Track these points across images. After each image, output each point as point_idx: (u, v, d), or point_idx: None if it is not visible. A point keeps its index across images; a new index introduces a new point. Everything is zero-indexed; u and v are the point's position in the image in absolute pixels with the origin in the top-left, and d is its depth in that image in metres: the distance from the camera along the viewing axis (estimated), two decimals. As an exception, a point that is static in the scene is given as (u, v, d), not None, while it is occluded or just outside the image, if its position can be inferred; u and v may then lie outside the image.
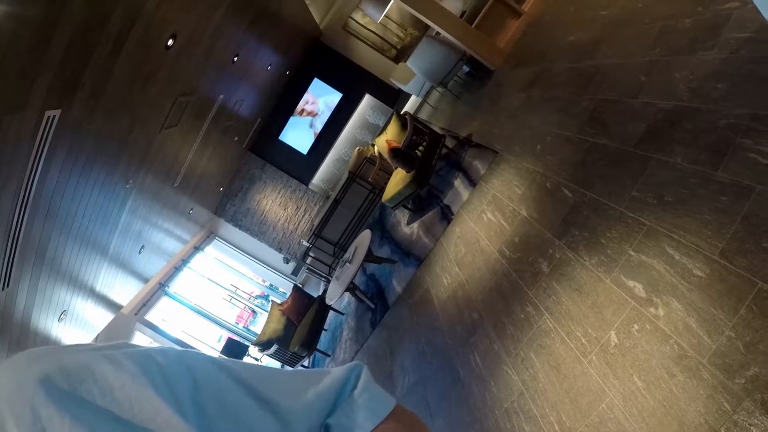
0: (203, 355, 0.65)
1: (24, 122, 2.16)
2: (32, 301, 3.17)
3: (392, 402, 0.70)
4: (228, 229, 8.47)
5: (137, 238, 4.95)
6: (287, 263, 8.59)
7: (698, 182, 1.93)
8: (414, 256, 4.62)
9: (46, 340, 3.67)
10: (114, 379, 0.53)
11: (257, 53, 5.65)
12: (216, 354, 7.78)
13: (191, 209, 6.61)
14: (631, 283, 1.98)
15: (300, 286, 6.32)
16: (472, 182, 4.23)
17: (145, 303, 6.61)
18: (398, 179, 5.02)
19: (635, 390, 1.71)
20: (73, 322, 4.14)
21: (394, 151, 4.71)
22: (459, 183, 4.53)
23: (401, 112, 5.12)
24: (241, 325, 9.40)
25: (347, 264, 5.03)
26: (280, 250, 8.53)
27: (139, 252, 5.12)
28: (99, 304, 4.75)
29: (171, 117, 3.77)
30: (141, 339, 6.85)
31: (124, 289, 5.38)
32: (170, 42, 3.03)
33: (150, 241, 5.51)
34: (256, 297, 10.18)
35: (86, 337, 4.84)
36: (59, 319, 3.76)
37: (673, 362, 1.64)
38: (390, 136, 5.03)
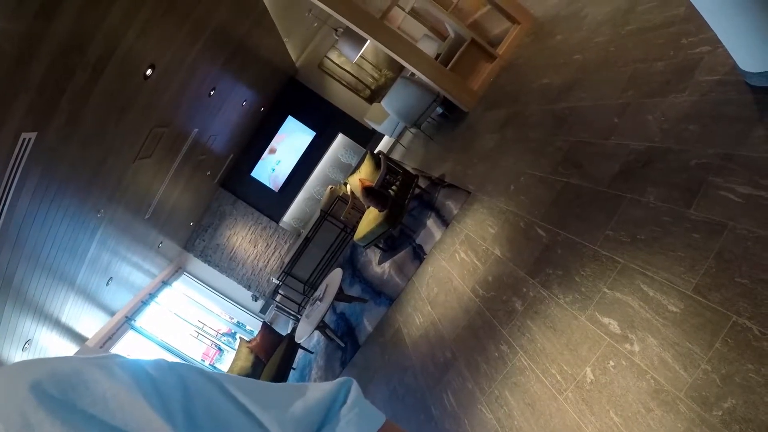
0: (194, 366, 0.65)
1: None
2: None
3: (382, 418, 0.70)
4: (197, 265, 8.25)
5: (105, 270, 4.77)
6: (255, 301, 8.38)
7: (671, 220, 1.99)
8: (385, 296, 4.58)
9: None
10: (106, 387, 0.54)
11: (233, 88, 5.68)
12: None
13: (161, 243, 6.44)
14: (606, 320, 1.99)
15: (269, 323, 6.15)
16: (445, 222, 4.27)
17: (111, 336, 6.30)
18: (371, 218, 5.02)
19: (612, 426, 1.69)
20: (37, 353, 3.92)
21: (367, 190, 4.73)
22: (432, 223, 4.56)
23: (375, 152, 5.18)
24: (207, 362, 9.04)
25: (317, 302, 4.94)
26: (248, 288, 8.33)
27: (107, 284, 4.92)
28: (64, 336, 4.51)
29: (145, 148, 3.71)
30: None
31: (89, 322, 5.13)
32: (149, 72, 3.02)
33: (118, 274, 5.31)
34: (223, 335, 9.86)
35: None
36: (23, 349, 3.55)
37: (650, 397, 1.64)
38: (363, 174, 5.07)
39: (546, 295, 2.45)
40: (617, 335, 1.90)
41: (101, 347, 6.13)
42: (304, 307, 6.55)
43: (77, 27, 2.17)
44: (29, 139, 2.26)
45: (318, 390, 0.71)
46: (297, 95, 7.82)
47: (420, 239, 4.59)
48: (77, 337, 4.95)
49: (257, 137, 8.09)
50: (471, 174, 4.47)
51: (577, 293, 2.24)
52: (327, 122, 7.94)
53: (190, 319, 8.91)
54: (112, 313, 5.84)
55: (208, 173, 6.99)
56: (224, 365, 8.93)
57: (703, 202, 1.90)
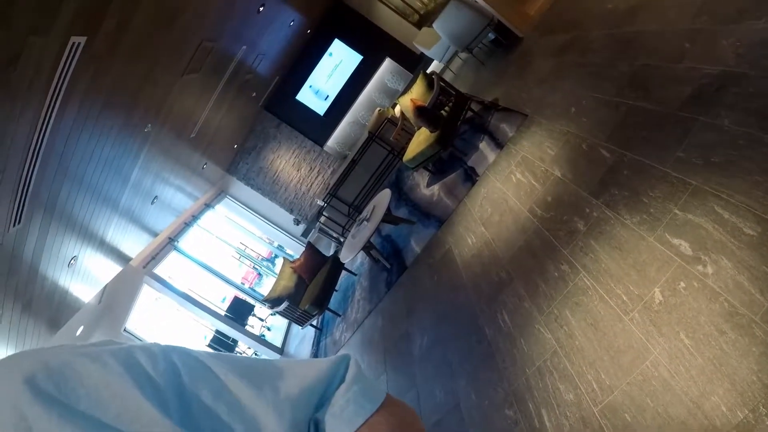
0: (187, 350, 0.64)
1: (48, 45, 2.08)
2: (42, 244, 3.15)
3: (382, 394, 0.68)
4: (239, 188, 8.42)
5: (149, 190, 4.90)
6: (297, 225, 8.57)
7: (747, 144, 1.90)
8: (434, 217, 4.58)
9: (54, 287, 3.66)
10: (98, 378, 0.54)
11: (281, 7, 5.49)
12: (221, 312, 7.87)
13: (204, 164, 6.55)
14: (676, 241, 1.94)
15: (312, 243, 6.30)
16: (499, 144, 4.16)
17: (154, 257, 6.61)
18: (421, 139, 4.94)
19: (682, 348, 1.68)
20: (82, 271, 4.14)
21: (419, 110, 4.62)
22: (485, 146, 4.45)
23: (428, 71, 5.00)
24: (246, 286, 9.44)
25: (364, 222, 4.99)
26: (291, 211, 8.49)
27: (152, 203, 5.08)
28: (108, 255, 4.74)
29: (193, 62, 3.68)
30: (148, 292, 6.88)
31: (133, 242, 5.36)
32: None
33: (162, 195, 5.47)
34: (264, 259, 10.19)
35: (94, 288, 4.84)
36: (68, 265, 3.75)
37: (723, 320, 1.61)
38: (415, 95, 4.93)
39: (611, 215, 2.39)
40: (689, 257, 1.85)
41: (144, 267, 6.44)
42: (348, 230, 6.66)
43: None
44: (79, 43, 2.24)
45: (315, 368, 0.69)
46: (344, 18, 7.52)
47: (472, 161, 4.51)
48: (121, 257, 5.19)
49: (303, 59, 7.92)
50: (527, 98, 4.29)
51: (645, 214, 2.18)
52: (374, 46, 7.67)
53: (232, 241, 9.22)
54: (155, 234, 6.07)
55: (254, 94, 6.94)
56: (263, 289, 9.32)
57: None
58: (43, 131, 2.41)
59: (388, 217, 4.99)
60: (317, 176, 8.54)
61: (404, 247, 4.89)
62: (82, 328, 5.34)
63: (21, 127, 2.27)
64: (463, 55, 6.17)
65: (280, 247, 9.79)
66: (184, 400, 0.59)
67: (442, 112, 4.72)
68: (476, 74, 6.31)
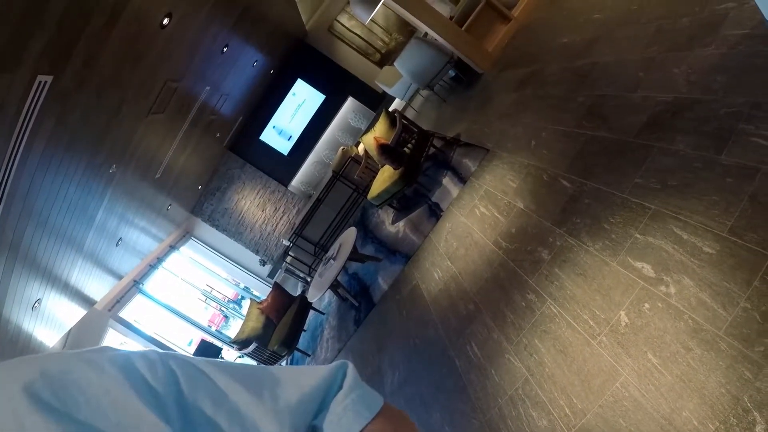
0: (185, 357, 0.64)
1: (14, 83, 2.04)
2: (6, 287, 2.99)
3: (380, 401, 0.69)
4: (204, 229, 8.26)
5: (114, 232, 4.76)
6: (263, 265, 8.42)
7: (702, 166, 1.98)
8: (401, 254, 4.58)
9: (18, 331, 3.46)
10: (98, 385, 0.53)
11: (244, 48, 5.56)
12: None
13: (169, 205, 6.42)
14: (639, 264, 1.99)
15: (279, 284, 6.18)
16: (462, 179, 4.24)
17: (119, 300, 6.34)
18: (385, 176, 4.99)
19: (650, 367, 1.70)
20: (46, 314, 3.93)
21: (382, 148, 4.68)
22: (448, 181, 4.53)
23: (390, 110, 5.11)
24: (213, 328, 9.14)
25: (331, 261, 4.95)
26: (256, 252, 8.35)
27: (117, 244, 4.92)
28: (73, 298, 4.53)
29: (159, 102, 3.65)
30: (113, 336, 6.56)
31: (98, 285, 5.15)
32: (166, 20, 2.94)
33: (127, 236, 5.31)
34: (230, 301, 9.93)
35: (59, 332, 4.59)
36: (32, 308, 3.56)
37: (688, 336, 1.64)
38: (378, 133, 5.01)
39: (574, 243, 2.44)
40: (651, 278, 1.90)
41: (109, 311, 6.18)
42: (315, 269, 6.57)
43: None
44: (45, 82, 2.21)
45: (313, 376, 0.69)
46: (307, 58, 7.67)
47: (436, 197, 4.56)
48: (86, 300, 4.97)
49: (266, 99, 7.98)
50: (489, 132, 4.42)
51: (607, 240, 2.23)
52: (336, 85, 7.81)
53: (198, 283, 8.97)
54: (120, 277, 5.85)
55: (218, 135, 6.92)
56: (230, 331, 9.04)
57: (735, 149, 1.89)
58: (8, 171, 2.32)
59: (355, 255, 4.97)
60: (282, 216, 8.47)
61: (371, 284, 4.85)
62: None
63: None
64: (424, 92, 6.36)
65: (246, 289, 9.57)
66: (183, 408, 0.58)
67: (406, 149, 4.81)
68: (438, 111, 6.49)
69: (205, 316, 9.27)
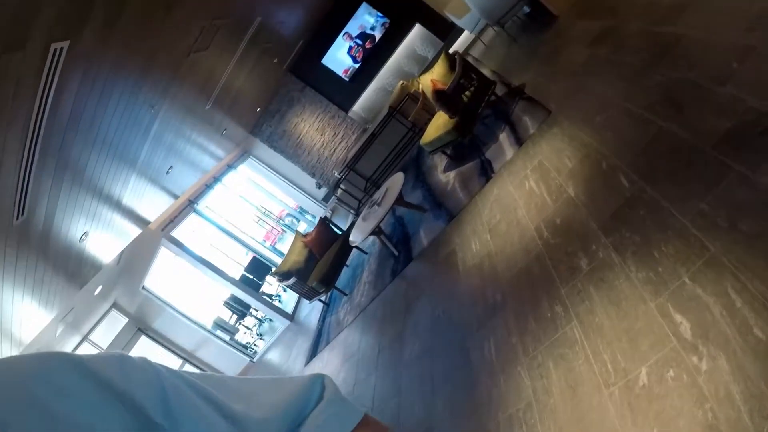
0: (172, 371, 0.65)
1: (26, 59, 1.95)
2: (64, 207, 3.11)
3: (359, 415, 0.71)
4: (263, 150, 8.32)
5: (167, 153, 4.82)
6: (320, 188, 8.48)
7: None
8: (446, 209, 4.38)
9: (81, 249, 3.67)
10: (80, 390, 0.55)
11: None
12: (241, 271, 7.98)
13: (225, 129, 6.43)
14: (678, 318, 1.71)
15: (327, 217, 6.22)
16: (519, 140, 3.86)
17: (173, 220, 6.65)
18: (440, 123, 4.66)
19: (652, 449, 1.50)
20: (103, 235, 4.15)
21: (438, 94, 4.32)
22: (504, 138, 4.16)
23: (450, 51, 4.65)
24: (268, 243, 9.52)
25: (376, 206, 4.84)
26: (313, 175, 8.37)
27: (167, 172, 5.03)
28: (128, 219, 4.75)
29: (201, 41, 3.47)
30: (165, 255, 6.99)
31: (153, 205, 5.37)
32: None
33: (182, 157, 5.40)
34: (287, 215, 10.18)
35: (113, 251, 4.90)
36: (81, 240, 3.77)
37: (701, 431, 1.41)
38: (436, 75, 4.61)
39: (617, 261, 2.16)
40: (687, 341, 1.63)
41: (162, 230, 6.48)
42: (364, 204, 6.51)
43: None
44: (61, 48, 2.09)
45: (288, 390, 0.70)
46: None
47: (490, 154, 4.23)
48: (140, 220, 5.20)
49: (329, 23, 7.53)
50: (554, 90, 3.93)
51: (653, 272, 1.94)
52: (404, 10, 7.17)
53: (254, 201, 9.22)
54: (175, 197, 6.06)
55: (275, 61, 6.68)
56: (284, 245, 9.37)
57: None
58: (35, 134, 2.31)
59: (400, 202, 4.82)
60: (341, 141, 8.33)
61: (413, 235, 4.73)
62: (100, 287, 5.49)
63: (10, 144, 2.18)
64: (496, 27, 5.71)
65: (302, 210, 9.77)
66: (169, 417, 0.59)
67: (464, 96, 4.40)
68: (507, 50, 5.85)
69: (261, 232, 9.62)
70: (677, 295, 1.77)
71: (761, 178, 1.73)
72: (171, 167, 4.97)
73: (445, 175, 4.99)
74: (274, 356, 7.13)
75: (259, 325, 8.01)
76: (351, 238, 4.98)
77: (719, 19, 2.62)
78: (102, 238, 4.24)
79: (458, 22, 6.17)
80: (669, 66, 2.72)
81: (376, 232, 4.76)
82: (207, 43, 3.63)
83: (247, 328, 8.00)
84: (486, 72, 5.83)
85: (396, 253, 4.74)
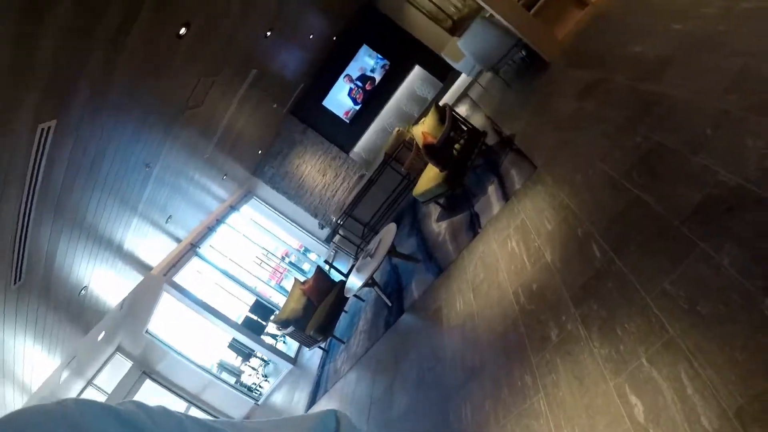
0: (191, 417, 0.65)
1: (15, 141, 2.07)
2: (51, 268, 3.21)
3: None
4: (265, 190, 8.46)
5: (165, 204, 4.95)
6: (322, 229, 8.56)
7: (742, 303, 1.58)
8: (436, 262, 4.42)
9: (68, 302, 3.77)
10: None
11: (297, 23, 5.34)
12: (244, 314, 8.01)
13: (225, 175, 6.58)
14: (633, 399, 1.72)
15: (327, 261, 6.27)
16: (506, 195, 3.91)
17: (175, 264, 6.75)
18: (431, 175, 4.74)
19: None
20: (100, 287, 4.25)
21: (427, 148, 4.41)
22: (493, 191, 4.21)
23: (440, 104, 4.76)
24: (273, 282, 9.58)
25: (368, 258, 4.89)
26: (315, 216, 8.47)
27: (166, 221, 5.16)
28: (128, 265, 4.85)
29: (194, 97, 3.62)
30: (167, 300, 7.08)
31: (153, 251, 5.47)
32: (182, 30, 2.83)
33: (180, 206, 5.53)
34: (291, 253, 10.24)
35: (115, 298, 5.00)
36: (80, 294, 3.86)
37: None
38: (427, 127, 4.70)
39: (583, 335, 2.17)
40: (639, 424, 1.65)
41: (165, 275, 6.58)
42: (362, 249, 6.56)
43: None
44: (48, 127, 2.21)
45: (306, 424, 0.71)
46: (373, 24, 7.23)
47: (479, 207, 4.28)
48: (143, 266, 5.31)
49: (330, 65, 7.76)
50: (541, 144, 4.00)
51: (615, 350, 1.95)
52: (404, 52, 7.36)
53: (258, 242, 9.34)
54: (178, 241, 6.17)
55: (275, 106, 6.88)
56: (290, 283, 9.41)
57: None
58: (29, 205, 2.42)
59: (393, 253, 4.86)
60: (342, 183, 8.46)
61: (406, 286, 4.76)
62: (103, 333, 5.57)
63: (4, 216, 2.29)
64: (490, 73, 5.83)
65: (306, 251, 9.85)
66: None
67: (455, 148, 4.49)
68: (502, 95, 5.96)
69: (265, 272, 9.69)
70: (635, 375, 1.78)
71: (723, 259, 1.73)
72: (170, 216, 5.10)
73: (437, 225, 5.04)
74: (278, 399, 7.11)
75: (265, 366, 8.01)
76: (345, 290, 5.02)
77: (699, 78, 2.65)
78: (103, 287, 4.33)
79: (456, 66, 6.30)
80: (649, 128, 2.73)
81: (370, 283, 4.80)
82: (201, 99, 3.78)
83: (253, 368, 7.99)
84: (480, 118, 5.94)
85: (389, 304, 4.76)
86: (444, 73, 7.38)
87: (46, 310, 3.50)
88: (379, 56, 7.92)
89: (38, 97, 2.08)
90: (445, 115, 4.55)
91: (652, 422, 1.60)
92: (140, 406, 0.59)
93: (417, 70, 7.64)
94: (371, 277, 4.64)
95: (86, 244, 3.51)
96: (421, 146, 4.56)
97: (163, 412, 0.63)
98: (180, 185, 4.96)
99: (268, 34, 4.32)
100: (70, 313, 4.10)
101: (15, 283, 2.78)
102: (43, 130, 2.22)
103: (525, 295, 2.82)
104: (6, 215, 2.34)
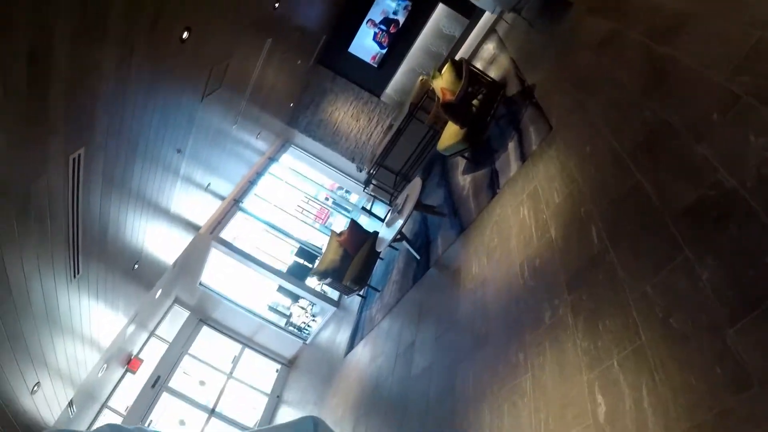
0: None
1: (50, 179, 2.31)
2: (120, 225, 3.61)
3: None
4: (302, 139, 8.64)
5: (204, 172, 5.24)
6: (360, 171, 8.73)
7: (709, 323, 1.57)
8: (459, 218, 4.52)
9: (126, 275, 4.24)
10: None
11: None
12: (291, 259, 8.49)
13: (259, 133, 6.76)
14: (599, 398, 1.87)
15: (360, 214, 6.50)
16: (523, 155, 3.89)
17: (220, 221, 7.17)
18: (452, 131, 4.74)
19: None
20: (151, 258, 4.69)
21: (446, 107, 4.38)
22: (512, 148, 4.17)
23: (456, 58, 4.63)
24: (318, 224, 10.02)
25: (397, 213, 5.05)
26: (352, 160, 8.62)
27: (205, 189, 5.48)
28: (178, 227, 5.27)
29: (210, 84, 3.76)
30: (216, 256, 7.60)
31: (199, 212, 5.86)
32: (185, 35, 2.93)
33: (218, 170, 5.82)
34: (337, 189, 10.52)
35: (170, 258, 5.50)
36: (133, 268, 4.32)
37: None
38: (445, 83, 4.62)
39: (571, 323, 2.30)
40: (600, 424, 1.80)
41: (211, 233, 7.01)
42: (395, 197, 6.71)
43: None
44: (78, 155, 2.43)
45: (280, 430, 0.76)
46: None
47: (499, 164, 4.28)
48: (192, 226, 5.73)
49: (350, 14, 7.53)
50: (558, 101, 3.88)
51: (593, 346, 2.08)
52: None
53: (299, 188, 9.69)
54: (222, 198, 6.53)
55: (299, 62, 6.85)
56: (336, 221, 9.80)
57: (754, 333, 1.41)
58: (75, 222, 2.72)
59: (420, 207, 5.00)
60: (376, 126, 8.47)
61: (433, 240, 4.92)
62: (160, 290, 6.18)
63: (58, 245, 2.60)
64: (511, 14, 5.50)
65: (347, 191, 10.13)
66: None
67: (473, 104, 4.43)
68: (525, 35, 5.63)
69: (309, 217, 10.09)
70: (605, 375, 1.91)
71: (703, 273, 1.69)
72: (209, 183, 5.42)
73: (462, 178, 5.07)
74: (323, 339, 7.73)
75: (312, 306, 8.61)
76: (377, 245, 5.25)
77: (713, 44, 2.39)
78: (158, 252, 4.81)
79: (477, 3, 5.97)
80: (658, 101, 2.55)
81: (399, 238, 4.99)
82: (218, 83, 3.91)
83: (302, 308, 8.62)
84: (506, 59, 5.70)
85: (418, 258, 4.97)
86: (469, 9, 6.97)
87: (105, 287, 3.96)
88: (402, -5, 7.61)
89: (62, 133, 2.26)
90: (462, 68, 4.45)
91: (609, 425, 1.75)
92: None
93: (441, 8, 7.28)
94: (400, 232, 4.82)
95: (137, 208, 3.82)
96: (440, 104, 4.52)
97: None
98: (213, 155, 5.21)
99: (276, 5, 4.28)
100: (129, 281, 4.60)
101: (75, 277, 3.19)
102: (74, 159, 2.44)
103: (529, 269, 2.92)
104: (59, 247, 2.68)
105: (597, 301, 2.21)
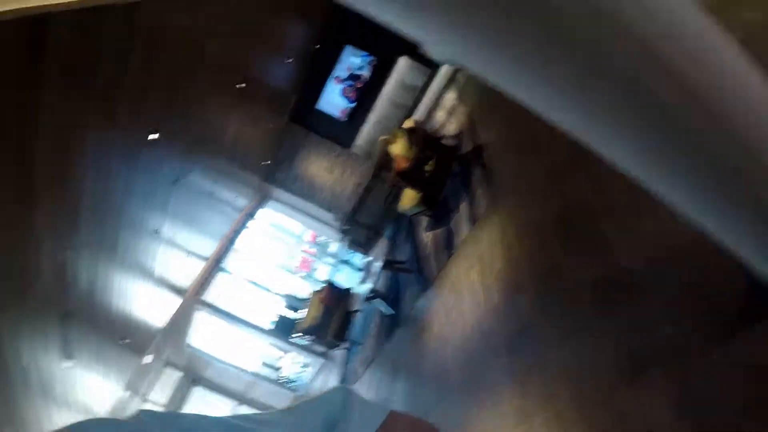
0: (208, 417, 0.66)
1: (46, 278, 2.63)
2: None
3: (383, 413, 0.70)
4: (280, 193, 8.97)
5: (182, 244, 5.53)
6: (337, 222, 9.03)
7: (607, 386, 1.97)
8: (423, 276, 4.80)
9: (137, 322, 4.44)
10: None
11: (270, 61, 5.67)
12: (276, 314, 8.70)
13: (237, 193, 7.10)
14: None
15: (332, 281, 6.83)
16: (473, 217, 4.18)
17: (203, 283, 7.43)
18: (409, 195, 5.02)
19: None
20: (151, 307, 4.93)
21: (400, 174, 4.71)
22: (464, 209, 4.46)
23: (406, 127, 4.98)
24: (303, 272, 10.28)
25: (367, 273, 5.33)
26: (329, 210, 8.94)
27: (187, 256, 5.80)
28: (165, 290, 5.53)
29: (186, 166, 4.12)
30: (201, 317, 7.84)
31: (185, 274, 6.12)
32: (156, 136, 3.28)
33: (197, 231, 6.09)
34: (318, 240, 10.82)
35: (158, 323, 5.76)
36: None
37: None
38: (398, 149, 4.95)
39: (508, 386, 2.58)
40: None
41: (195, 296, 7.25)
42: (370, 248, 7.01)
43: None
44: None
45: (310, 406, 0.73)
46: (352, 23, 7.31)
47: (454, 223, 4.55)
48: (179, 291, 5.99)
49: (317, 73, 7.95)
50: (506, 162, 4.07)
51: (520, 410, 2.35)
52: (387, 46, 7.39)
53: (281, 237, 10.04)
54: (204, 259, 6.82)
55: (271, 126, 7.31)
56: (321, 273, 10.06)
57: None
58: None
59: (389, 267, 5.29)
60: (350, 177, 8.82)
61: (403, 295, 5.19)
62: (151, 356, 6.38)
63: None
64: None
65: (326, 242, 10.48)
66: None
67: (425, 170, 4.75)
68: (484, 87, 5.96)
69: (294, 263, 10.37)
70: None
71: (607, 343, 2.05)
72: (189, 253, 5.73)
73: (426, 235, 5.36)
74: (315, 390, 7.93)
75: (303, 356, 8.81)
76: (350, 305, 5.54)
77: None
78: (146, 317, 5.08)
79: (433, 56, 6.28)
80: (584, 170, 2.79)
81: (372, 296, 5.26)
82: (192, 164, 4.25)
83: (293, 359, 8.82)
84: (462, 115, 6.01)
85: (393, 312, 5.22)
86: (431, 60, 7.35)
87: (97, 362, 4.21)
88: (365, 53, 8.01)
89: (49, 225, 2.57)
90: (414, 136, 4.80)
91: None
92: (148, 413, 0.59)
93: (403, 61, 7.71)
94: (374, 290, 5.08)
95: (121, 282, 4.09)
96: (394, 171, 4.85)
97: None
98: (194, 221, 5.53)
99: (240, 85, 4.64)
100: (120, 351, 4.83)
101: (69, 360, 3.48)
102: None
103: (468, 342, 3.24)
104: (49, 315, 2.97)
105: (527, 365, 2.51)
